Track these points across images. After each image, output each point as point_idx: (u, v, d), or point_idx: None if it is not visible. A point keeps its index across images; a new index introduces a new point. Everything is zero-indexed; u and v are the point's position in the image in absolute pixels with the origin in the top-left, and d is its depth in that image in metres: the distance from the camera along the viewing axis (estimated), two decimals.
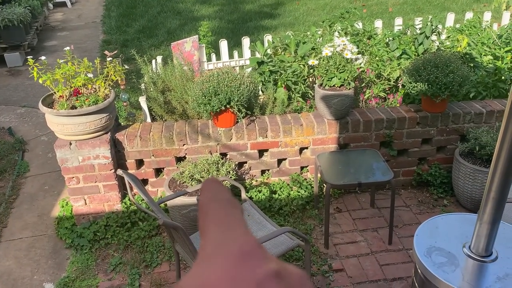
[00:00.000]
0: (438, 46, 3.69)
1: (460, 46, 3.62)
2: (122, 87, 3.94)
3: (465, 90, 3.29)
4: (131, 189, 2.12)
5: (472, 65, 3.54)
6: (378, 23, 4.39)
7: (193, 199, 2.59)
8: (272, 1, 8.79)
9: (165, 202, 2.87)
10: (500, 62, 3.54)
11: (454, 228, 1.69)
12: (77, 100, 2.74)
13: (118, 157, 2.94)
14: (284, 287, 0.27)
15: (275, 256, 2.12)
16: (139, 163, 3.01)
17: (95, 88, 2.88)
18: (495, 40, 3.86)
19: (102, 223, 2.93)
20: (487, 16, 4.70)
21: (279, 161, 3.16)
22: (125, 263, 2.72)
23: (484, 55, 3.82)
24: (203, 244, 0.31)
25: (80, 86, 2.83)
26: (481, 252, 1.53)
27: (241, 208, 0.35)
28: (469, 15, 4.66)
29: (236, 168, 3.06)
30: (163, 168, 3.03)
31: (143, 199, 2.78)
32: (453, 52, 3.50)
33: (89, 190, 2.92)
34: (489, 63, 3.69)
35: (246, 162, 3.10)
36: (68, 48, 2.89)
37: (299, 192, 3.11)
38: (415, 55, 3.59)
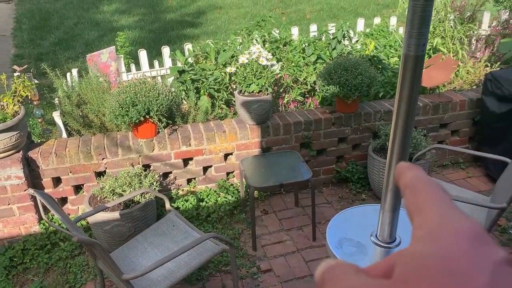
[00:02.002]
0: (350, 50, 3.92)
1: (368, 49, 3.87)
2: (35, 102, 3.74)
3: (374, 90, 3.53)
4: (45, 208, 2.03)
5: (380, 66, 3.81)
6: (295, 30, 4.57)
7: (115, 214, 2.53)
8: (193, 10, 8.80)
9: (87, 220, 2.77)
10: None
11: (362, 219, 1.81)
12: None
13: (33, 176, 2.79)
14: None
15: (201, 263, 2.12)
16: (57, 181, 2.88)
17: (2, 105, 2.72)
18: (400, 42, 4.17)
19: (18, 248, 2.76)
20: (393, 20, 5.08)
21: (205, 169, 3.17)
22: (47, 287, 2.58)
23: (391, 56, 4.13)
24: (422, 220, 0.30)
25: None
26: (386, 239, 1.65)
27: (448, 192, 0.33)
28: (377, 20, 5.00)
29: (161, 179, 3.03)
30: (83, 185, 2.92)
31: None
32: (362, 55, 3.74)
33: (1, 214, 2.74)
34: (396, 64, 3.98)
35: (171, 172, 3.08)
36: None
37: (226, 198, 3.14)
38: (330, 59, 3.78)
